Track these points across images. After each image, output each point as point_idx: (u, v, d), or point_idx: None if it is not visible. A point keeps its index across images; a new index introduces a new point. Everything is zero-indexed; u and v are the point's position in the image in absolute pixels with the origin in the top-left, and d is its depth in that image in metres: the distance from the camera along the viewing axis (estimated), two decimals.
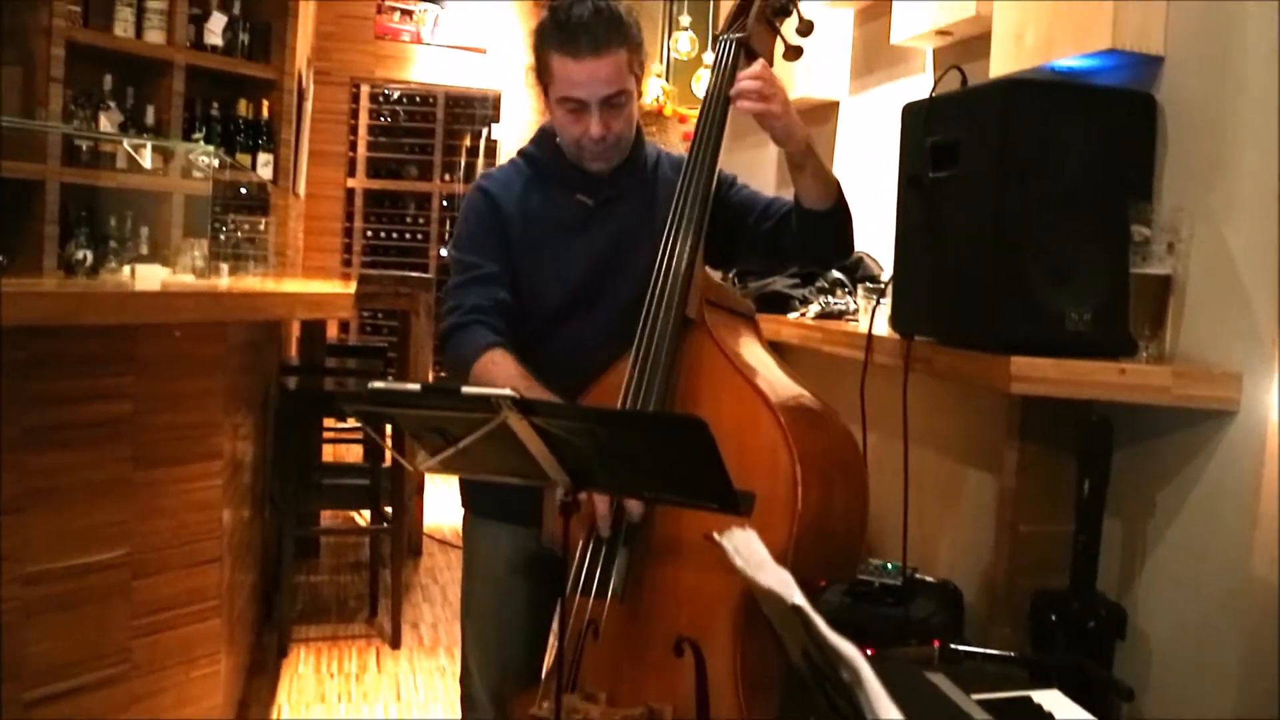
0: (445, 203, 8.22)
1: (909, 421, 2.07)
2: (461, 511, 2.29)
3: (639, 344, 1.88)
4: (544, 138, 2.19)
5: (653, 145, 2.26)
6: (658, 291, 1.91)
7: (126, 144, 3.44)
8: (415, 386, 1.44)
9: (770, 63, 2.09)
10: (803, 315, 2.70)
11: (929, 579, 2.24)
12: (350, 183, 7.73)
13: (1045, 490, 2.09)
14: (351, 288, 3.25)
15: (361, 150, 7.94)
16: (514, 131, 7.42)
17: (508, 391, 1.36)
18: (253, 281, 3.30)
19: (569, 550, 1.69)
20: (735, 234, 2.13)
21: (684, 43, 5.47)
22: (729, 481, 1.36)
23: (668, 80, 5.78)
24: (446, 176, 8.03)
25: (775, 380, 1.88)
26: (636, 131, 2.17)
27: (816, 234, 2.03)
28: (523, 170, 2.20)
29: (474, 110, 8.00)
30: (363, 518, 4.92)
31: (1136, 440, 1.94)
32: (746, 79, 1.95)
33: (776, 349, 2.13)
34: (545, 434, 1.41)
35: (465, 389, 1.38)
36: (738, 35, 2.09)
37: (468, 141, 8.22)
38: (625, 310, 1.96)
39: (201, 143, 4.27)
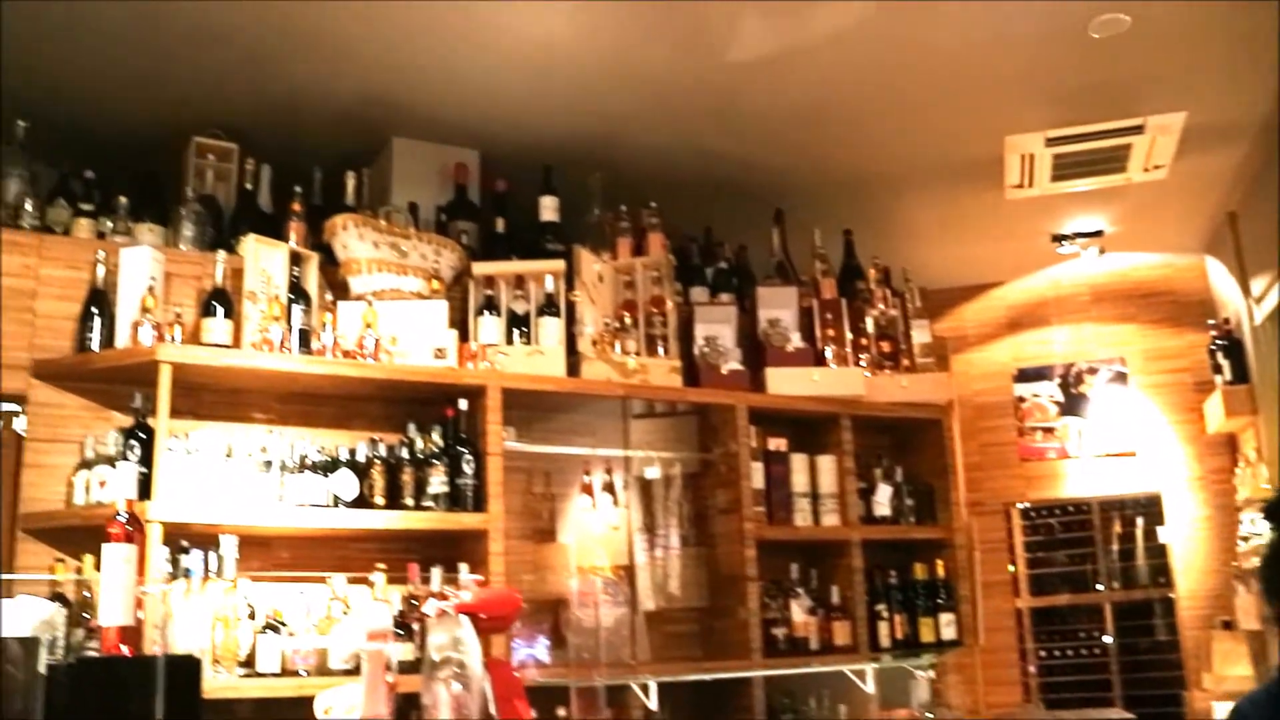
0: (1117, 615, 7.74)
1: None
2: None
3: None
4: None
5: None
6: None
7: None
8: None
9: None
10: None
11: None
12: (1016, 602, 7.52)
13: None
14: None
15: (1021, 569, 7.74)
16: (1181, 532, 6.95)
17: None
18: None
19: None
20: None
21: None
22: None
23: None
24: (1115, 585, 7.59)
25: None
26: None
27: None
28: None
29: (1131, 513, 7.61)
30: None
31: None
32: None
33: None
34: None
35: None
36: None
37: (1118, 545, 7.78)
38: None
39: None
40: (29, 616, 2.47)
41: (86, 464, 3.64)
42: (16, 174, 4.00)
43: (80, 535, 3.50)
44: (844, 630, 4.54)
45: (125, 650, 2.66)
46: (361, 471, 3.83)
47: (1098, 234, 6.56)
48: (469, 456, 3.95)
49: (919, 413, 4.89)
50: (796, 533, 4.55)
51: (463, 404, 4.00)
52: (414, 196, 4.65)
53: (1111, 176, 5.67)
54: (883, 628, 4.66)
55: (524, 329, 4.31)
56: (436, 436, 3.97)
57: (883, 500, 4.75)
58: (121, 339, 3.74)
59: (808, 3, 3.97)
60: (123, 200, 4.11)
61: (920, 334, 4.98)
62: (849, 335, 4.83)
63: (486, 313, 4.28)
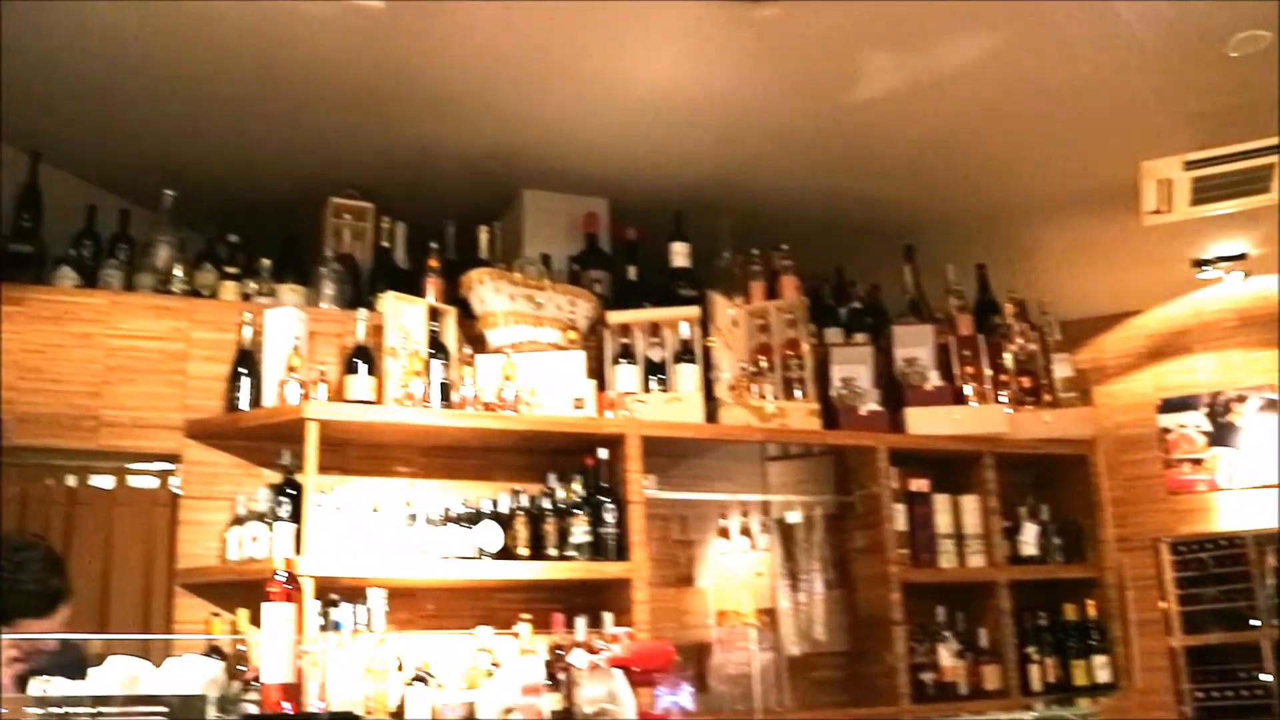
0: (1278, 653, 7.40)
1: None
2: None
3: None
4: None
5: None
6: None
7: None
8: None
9: None
10: None
11: None
12: (1169, 641, 7.26)
13: None
14: None
15: (1172, 606, 7.48)
16: None
17: None
18: None
19: None
20: None
21: None
22: None
23: None
24: (1274, 622, 7.27)
25: None
26: None
27: None
28: None
29: None
30: None
31: None
32: None
33: None
34: None
35: None
36: None
37: (1275, 580, 7.45)
38: None
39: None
40: (199, 675, 2.53)
41: (238, 520, 3.73)
42: (165, 241, 4.14)
43: (233, 589, 3.58)
44: (994, 674, 4.43)
45: (288, 707, 2.70)
46: (505, 523, 3.86)
47: (1241, 257, 6.34)
48: (610, 505, 3.96)
49: (1063, 449, 4.77)
50: (942, 575, 4.46)
51: (602, 453, 4.01)
52: (546, 247, 4.69)
53: (1254, 198, 5.49)
54: (1034, 671, 4.53)
55: (660, 376, 4.31)
56: (577, 486, 3.98)
57: (1029, 539, 4.64)
58: (269, 397, 3.84)
59: (933, 38, 3.93)
60: (265, 262, 4.23)
61: (1061, 368, 4.86)
62: (988, 371, 4.73)
63: (623, 361, 4.30)
